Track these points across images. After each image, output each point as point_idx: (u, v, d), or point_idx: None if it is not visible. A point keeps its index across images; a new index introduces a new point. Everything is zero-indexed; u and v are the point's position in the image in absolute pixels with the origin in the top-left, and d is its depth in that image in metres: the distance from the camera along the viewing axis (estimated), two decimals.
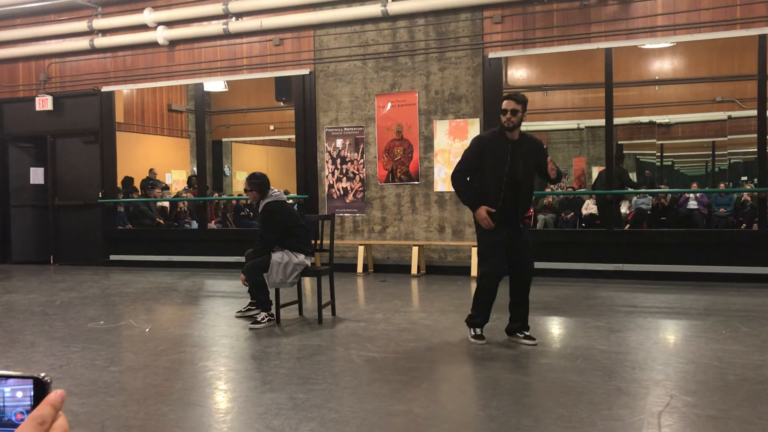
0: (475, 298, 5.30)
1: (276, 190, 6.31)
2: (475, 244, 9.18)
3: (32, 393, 0.75)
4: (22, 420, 0.73)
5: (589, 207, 12.01)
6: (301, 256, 6.10)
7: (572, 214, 12.23)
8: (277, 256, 6.01)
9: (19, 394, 0.74)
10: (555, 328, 6.19)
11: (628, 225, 11.57)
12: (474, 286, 8.43)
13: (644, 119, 14.14)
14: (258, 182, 6.21)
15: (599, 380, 4.13)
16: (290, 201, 8.42)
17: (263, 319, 6.00)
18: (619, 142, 13.97)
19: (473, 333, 5.27)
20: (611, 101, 9.07)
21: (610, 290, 7.92)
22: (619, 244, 8.96)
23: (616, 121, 10.31)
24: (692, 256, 8.51)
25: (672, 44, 11.09)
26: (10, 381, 0.74)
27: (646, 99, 13.76)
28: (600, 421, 3.41)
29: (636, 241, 9.08)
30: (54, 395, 0.74)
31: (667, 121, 14.26)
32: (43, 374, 0.75)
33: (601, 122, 9.55)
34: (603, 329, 5.67)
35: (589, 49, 9.10)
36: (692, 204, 12.01)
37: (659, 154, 14.88)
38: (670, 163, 15.51)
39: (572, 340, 5.47)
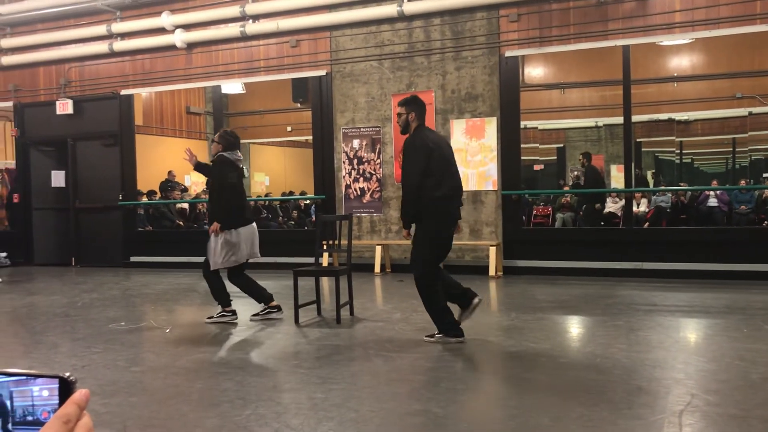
0: None
1: (238, 154, 6.30)
2: (493, 243, 9.21)
3: (58, 392, 0.76)
4: (48, 418, 0.74)
5: (609, 205, 11.93)
6: (239, 231, 6.15)
7: None
8: (211, 240, 6.18)
9: (45, 393, 0.76)
10: (574, 327, 6.16)
11: (647, 223, 11.49)
12: (492, 285, 8.47)
13: (663, 116, 14.03)
14: (230, 139, 6.28)
15: (619, 379, 4.11)
16: (308, 201, 8.32)
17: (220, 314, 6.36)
18: (638, 140, 13.86)
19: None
20: (629, 99, 9.01)
21: (630, 289, 7.87)
22: (638, 242, 8.90)
23: (635, 118, 10.24)
24: (712, 254, 8.43)
25: (690, 41, 10.99)
26: (39, 380, 0.76)
27: (664, 96, 13.65)
28: (620, 420, 3.39)
29: (655, 240, 9.01)
30: (79, 394, 0.76)
31: (686, 118, 14.14)
32: (68, 374, 0.77)
33: (620, 120, 9.50)
34: (622, 328, 5.64)
35: (607, 46, 9.05)
36: (712, 201, 11.90)
37: (678, 151, 14.76)
38: (689, 160, 15.37)
39: (592, 338, 5.44)
